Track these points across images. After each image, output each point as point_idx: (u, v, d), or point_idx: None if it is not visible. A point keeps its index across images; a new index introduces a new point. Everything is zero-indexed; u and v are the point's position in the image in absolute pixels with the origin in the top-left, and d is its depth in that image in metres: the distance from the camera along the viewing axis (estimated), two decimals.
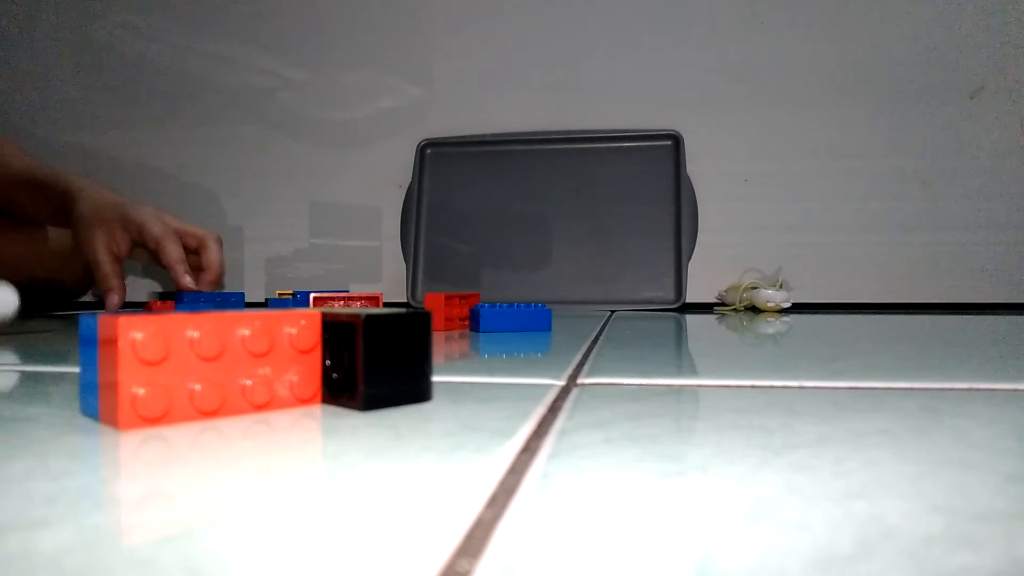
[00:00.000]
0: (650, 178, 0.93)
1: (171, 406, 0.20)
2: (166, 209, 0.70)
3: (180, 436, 0.20)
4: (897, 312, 0.81)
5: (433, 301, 0.54)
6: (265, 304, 0.74)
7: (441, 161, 0.98)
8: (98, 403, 0.21)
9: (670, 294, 0.89)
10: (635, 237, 0.92)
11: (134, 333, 0.20)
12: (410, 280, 0.95)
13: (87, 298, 0.98)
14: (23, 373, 0.32)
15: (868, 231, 0.94)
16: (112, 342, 0.20)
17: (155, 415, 0.20)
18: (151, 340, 0.20)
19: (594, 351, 0.40)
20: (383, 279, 1.03)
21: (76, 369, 0.33)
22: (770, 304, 0.79)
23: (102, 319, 0.20)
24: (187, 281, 0.64)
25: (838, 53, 0.94)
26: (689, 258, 0.90)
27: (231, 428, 0.21)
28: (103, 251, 0.65)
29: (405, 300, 0.96)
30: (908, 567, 0.11)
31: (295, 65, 1.06)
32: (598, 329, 0.55)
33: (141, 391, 0.20)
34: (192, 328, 0.21)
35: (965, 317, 0.71)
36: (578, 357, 0.36)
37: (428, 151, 0.99)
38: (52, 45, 1.11)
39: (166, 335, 0.20)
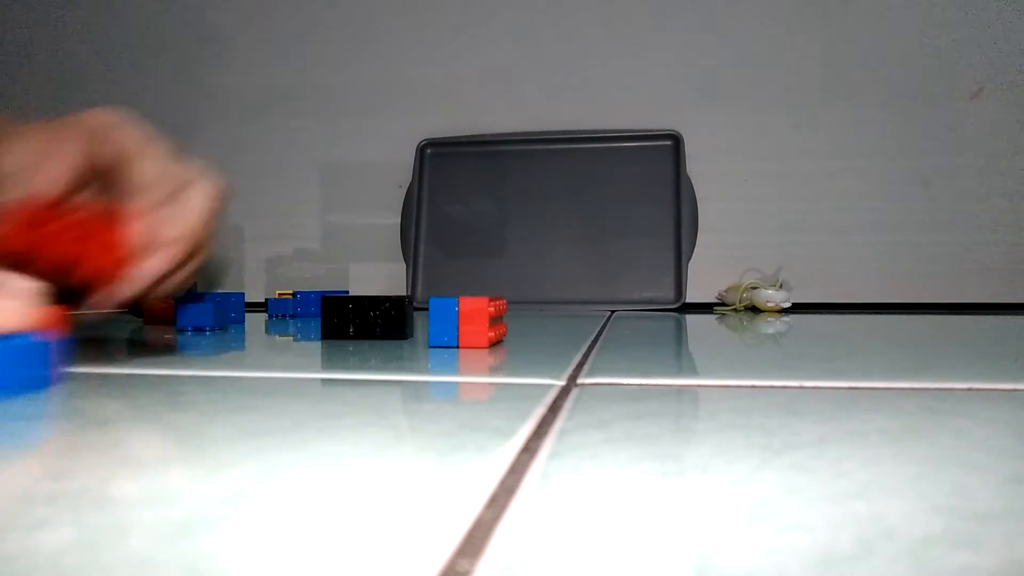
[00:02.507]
0: (650, 178, 0.93)
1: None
2: None
3: (179, 437, 0.20)
4: (897, 312, 0.81)
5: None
6: (265, 304, 0.74)
7: (441, 161, 0.98)
8: (458, 339, 0.40)
9: (670, 294, 0.89)
10: (635, 237, 0.92)
11: (487, 307, 0.40)
12: (410, 280, 0.95)
13: None
14: None
15: (868, 231, 0.94)
16: (480, 310, 0.39)
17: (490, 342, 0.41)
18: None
19: (594, 351, 0.40)
20: (383, 279, 1.03)
21: (78, 368, 0.33)
22: (770, 304, 0.79)
23: (463, 300, 0.40)
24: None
25: (838, 53, 0.94)
26: (689, 258, 0.90)
27: (230, 428, 0.21)
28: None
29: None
30: (908, 567, 0.11)
31: (294, 65, 1.06)
32: (598, 329, 0.55)
33: (491, 334, 0.40)
34: (489, 306, 0.40)
35: (965, 317, 0.71)
36: (578, 357, 0.36)
37: (428, 151, 0.99)
38: (24, 33, 1.11)
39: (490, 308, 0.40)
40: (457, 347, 0.40)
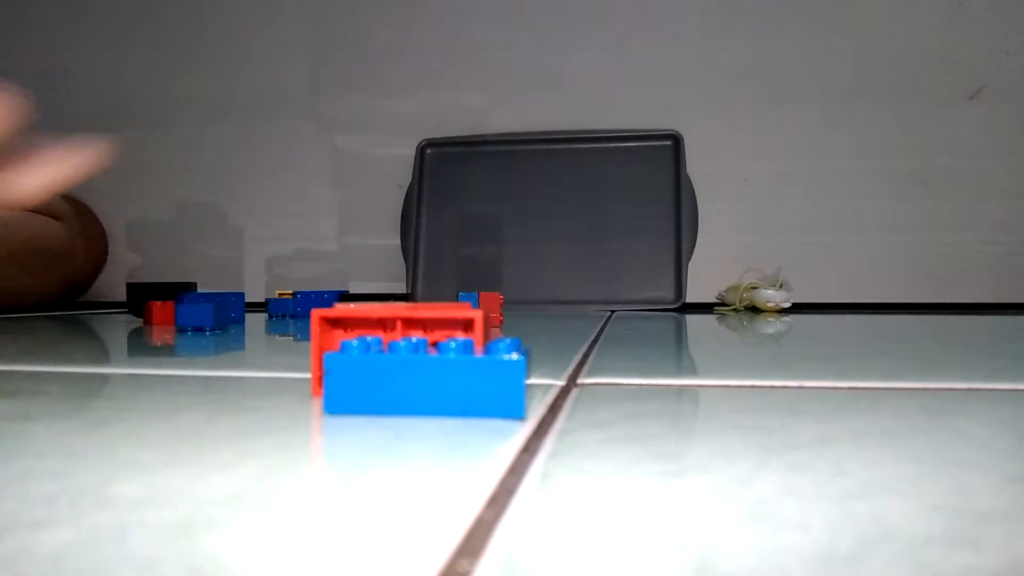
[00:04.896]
0: (650, 178, 0.93)
1: None
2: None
3: (179, 437, 0.20)
4: (897, 312, 0.81)
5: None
6: (265, 304, 0.74)
7: (441, 161, 0.98)
8: None
9: (670, 294, 0.89)
10: (635, 237, 0.92)
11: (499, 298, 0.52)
12: (410, 280, 0.95)
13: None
14: (22, 372, 0.32)
15: (868, 231, 0.94)
16: (494, 298, 0.56)
17: None
18: None
19: (594, 351, 0.40)
20: (383, 279, 1.03)
21: (74, 368, 0.33)
22: (770, 304, 0.79)
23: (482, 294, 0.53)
24: None
25: (838, 53, 0.94)
26: (689, 258, 0.90)
27: (230, 428, 0.21)
28: None
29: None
30: (908, 567, 0.11)
31: (295, 64, 1.06)
32: (598, 329, 0.55)
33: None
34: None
35: (965, 317, 0.71)
36: (578, 357, 0.36)
37: (428, 151, 0.99)
38: (35, 46, 1.11)
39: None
40: None
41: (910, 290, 0.93)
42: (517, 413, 0.21)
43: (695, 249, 0.91)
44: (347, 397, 0.22)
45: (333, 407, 0.22)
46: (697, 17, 0.97)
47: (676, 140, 0.93)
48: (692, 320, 0.71)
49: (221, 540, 0.12)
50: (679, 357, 0.41)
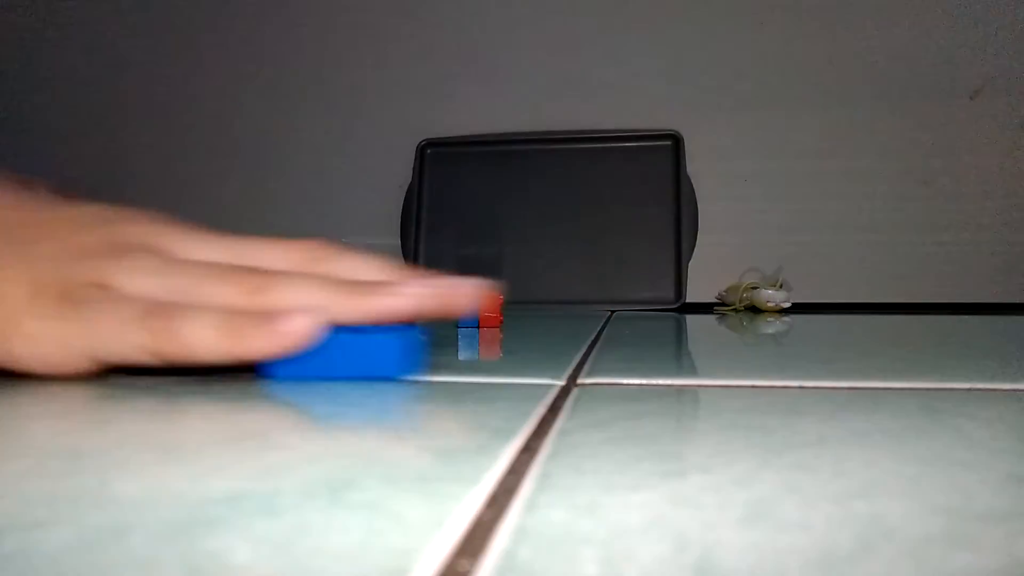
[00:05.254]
0: (650, 178, 0.93)
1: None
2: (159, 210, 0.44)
3: (179, 436, 0.20)
4: (897, 312, 0.81)
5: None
6: None
7: (441, 161, 0.98)
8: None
9: (670, 294, 0.89)
10: (635, 237, 0.92)
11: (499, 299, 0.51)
12: None
13: None
14: (21, 372, 0.32)
15: (868, 231, 0.93)
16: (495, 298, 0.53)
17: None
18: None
19: (594, 351, 0.40)
20: None
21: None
22: (770, 304, 0.79)
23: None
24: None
25: (838, 53, 0.94)
26: (689, 258, 0.90)
27: (230, 428, 0.21)
28: None
29: None
30: (908, 567, 0.11)
31: (294, 64, 1.06)
32: (598, 329, 0.55)
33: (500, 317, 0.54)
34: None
35: (965, 317, 0.71)
36: (578, 357, 0.36)
37: (428, 151, 0.99)
38: (35, 49, 1.11)
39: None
40: (478, 327, 0.53)
41: (910, 290, 0.93)
42: (394, 372, 0.29)
43: (695, 249, 0.92)
44: (287, 364, 0.28)
45: (273, 372, 0.29)
46: (697, 17, 0.97)
47: (676, 140, 0.93)
48: (692, 320, 0.71)
49: (221, 540, 0.12)
50: (679, 357, 0.41)
